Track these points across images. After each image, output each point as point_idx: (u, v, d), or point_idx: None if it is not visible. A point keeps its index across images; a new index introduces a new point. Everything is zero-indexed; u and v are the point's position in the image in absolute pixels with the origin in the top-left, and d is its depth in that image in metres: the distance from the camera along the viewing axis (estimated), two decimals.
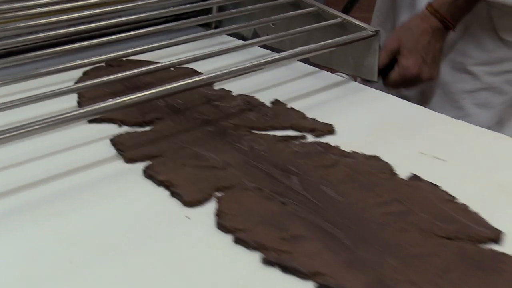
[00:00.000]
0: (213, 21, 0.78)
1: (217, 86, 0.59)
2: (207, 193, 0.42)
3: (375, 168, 0.46)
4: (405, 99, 0.69)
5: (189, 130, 0.50)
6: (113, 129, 0.50)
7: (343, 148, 0.49)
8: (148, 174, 0.44)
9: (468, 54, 0.87)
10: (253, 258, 0.37)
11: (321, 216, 0.40)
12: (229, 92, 0.58)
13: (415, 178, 0.45)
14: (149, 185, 0.44)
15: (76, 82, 0.57)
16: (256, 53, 0.71)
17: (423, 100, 0.89)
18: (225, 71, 0.53)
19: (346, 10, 1.31)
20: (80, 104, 0.53)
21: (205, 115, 0.53)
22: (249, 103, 0.55)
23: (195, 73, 0.61)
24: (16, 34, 0.62)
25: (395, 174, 0.46)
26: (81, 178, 0.45)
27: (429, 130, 0.57)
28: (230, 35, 0.77)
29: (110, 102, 0.45)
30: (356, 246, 0.38)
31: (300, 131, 0.52)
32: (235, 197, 0.42)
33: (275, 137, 0.50)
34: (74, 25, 0.64)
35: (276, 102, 0.57)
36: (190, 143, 0.48)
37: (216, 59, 0.61)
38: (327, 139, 0.51)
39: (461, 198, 0.43)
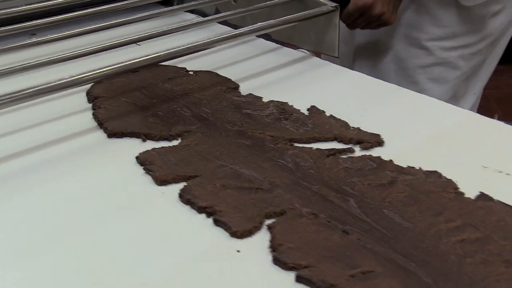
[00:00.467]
0: None
1: (245, 92, 0.55)
2: (257, 221, 0.37)
3: (437, 186, 0.42)
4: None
5: (222, 144, 0.45)
6: (137, 145, 0.45)
7: (396, 161, 0.45)
8: (186, 199, 0.39)
9: (423, 30, 0.90)
10: None
11: (392, 248, 0.36)
12: (260, 98, 0.53)
13: (484, 197, 0.41)
14: (187, 211, 0.39)
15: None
16: (218, 30, 0.71)
17: (379, 75, 0.89)
18: (184, 47, 0.54)
19: None
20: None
21: (238, 125, 0.48)
22: (284, 110, 0.50)
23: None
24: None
25: (462, 194, 0.41)
26: (110, 200, 0.40)
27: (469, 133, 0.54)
28: (192, 12, 0.78)
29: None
30: (437, 285, 0.33)
31: (346, 143, 0.47)
32: (289, 225, 0.37)
33: (320, 151, 0.45)
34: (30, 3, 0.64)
35: (312, 109, 0.52)
36: (226, 160, 0.43)
37: (176, 37, 0.62)
38: (377, 152, 0.47)
39: None
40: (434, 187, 0.41)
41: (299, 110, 0.52)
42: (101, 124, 0.48)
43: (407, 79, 0.93)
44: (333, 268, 0.34)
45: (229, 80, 0.58)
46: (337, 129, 0.48)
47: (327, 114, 0.51)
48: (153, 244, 0.37)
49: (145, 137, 0.45)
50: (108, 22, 0.64)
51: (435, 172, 0.43)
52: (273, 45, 0.72)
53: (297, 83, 0.62)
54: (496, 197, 0.41)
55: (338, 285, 0.33)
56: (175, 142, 0.46)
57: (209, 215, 0.38)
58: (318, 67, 0.67)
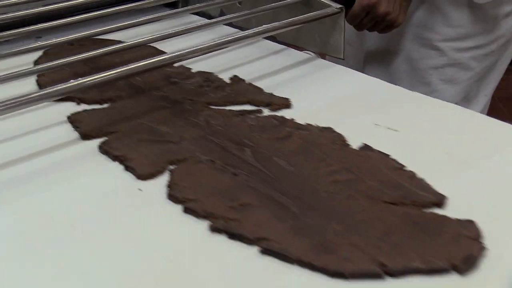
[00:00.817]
0: (179, 0, 0.78)
1: (178, 64, 0.59)
2: (161, 166, 0.43)
3: (328, 139, 0.47)
4: (374, 75, 0.70)
5: (146, 106, 0.51)
6: (71, 108, 0.51)
7: (298, 121, 0.50)
8: (104, 149, 0.45)
9: (435, 30, 0.88)
10: (202, 226, 0.38)
11: (272, 186, 0.41)
12: (189, 69, 0.59)
13: (366, 148, 0.47)
14: (104, 160, 0.45)
15: (36, 62, 0.57)
16: (223, 32, 0.70)
17: (391, 77, 0.91)
18: (189, 50, 0.53)
19: None
20: (40, 86, 0.54)
21: (164, 92, 0.53)
22: (208, 79, 0.56)
23: (159, 53, 0.61)
24: None
25: (348, 145, 0.47)
26: (39, 158, 0.45)
27: (386, 103, 0.58)
28: (197, 14, 0.77)
29: (72, 83, 0.46)
30: (303, 214, 0.39)
31: (257, 106, 0.53)
32: (188, 169, 0.43)
33: (231, 112, 0.51)
34: (35, 7, 0.63)
35: (234, 78, 0.57)
36: (146, 120, 0.49)
37: (182, 39, 0.61)
38: (284, 113, 0.52)
39: (410, 166, 0.45)
40: (324, 140, 0.47)
41: (222, 79, 0.57)
42: (41, 87, 0.53)
43: (419, 80, 0.92)
44: (216, 202, 0.39)
45: (164, 52, 0.61)
46: (251, 94, 0.53)
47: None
48: (70, 183, 0.42)
49: (79, 100, 0.51)
50: (113, 25, 0.63)
51: (329, 128, 0.49)
52: (278, 46, 0.72)
53: (302, 84, 0.62)
54: (379, 148, 0.46)
55: (216, 214, 0.38)
56: (105, 106, 0.51)
57: (121, 162, 0.44)
58: (323, 68, 0.67)
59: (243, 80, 0.57)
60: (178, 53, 0.53)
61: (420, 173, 0.44)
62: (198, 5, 0.70)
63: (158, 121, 0.49)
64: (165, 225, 0.39)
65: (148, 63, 0.50)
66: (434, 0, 0.88)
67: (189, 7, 0.70)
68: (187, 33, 0.61)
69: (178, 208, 0.40)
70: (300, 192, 0.40)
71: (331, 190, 0.41)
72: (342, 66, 0.68)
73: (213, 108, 0.52)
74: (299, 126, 0.49)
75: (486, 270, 0.35)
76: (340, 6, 0.68)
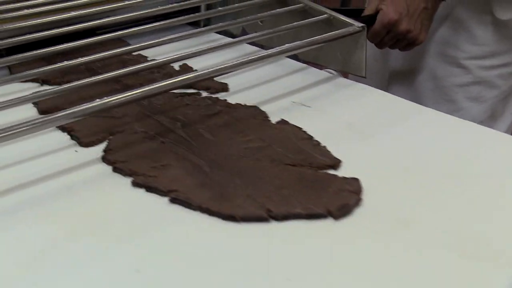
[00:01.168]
0: (201, 19, 0.79)
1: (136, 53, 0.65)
2: (101, 136, 0.50)
3: (250, 115, 0.53)
4: (397, 94, 0.68)
5: (99, 88, 0.56)
6: (35, 88, 0.58)
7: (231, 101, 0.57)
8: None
9: (460, 48, 0.88)
10: (126, 182, 0.45)
11: (192, 151, 0.47)
12: (146, 57, 0.64)
13: (283, 122, 0.53)
14: (53, 130, 0.51)
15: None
16: (245, 50, 0.71)
17: (415, 95, 0.90)
18: (212, 69, 0.54)
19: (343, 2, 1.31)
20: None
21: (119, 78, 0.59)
22: (160, 66, 0.61)
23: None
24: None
25: (268, 120, 0.53)
26: None
27: (406, 119, 0.60)
28: (219, 33, 0.77)
29: (96, 102, 0.47)
30: (212, 172, 0.45)
31: (198, 89, 0.59)
32: (123, 138, 0.49)
33: (173, 93, 0.56)
34: (62, 26, 0.64)
35: (183, 66, 0.63)
36: (97, 98, 0.55)
37: (205, 58, 0.61)
38: (220, 96, 0.58)
39: (317, 137, 0.51)
40: (247, 116, 0.54)
41: (172, 67, 0.62)
42: (10, 70, 0.60)
43: (444, 97, 0.90)
44: (141, 163, 0.45)
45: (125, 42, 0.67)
46: (194, 78, 0.59)
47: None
48: (17, 147, 0.47)
49: (43, 82, 0.58)
50: (137, 44, 0.63)
51: (255, 106, 0.55)
52: (299, 65, 0.71)
53: (324, 104, 0.61)
54: (294, 123, 0.53)
55: (138, 172, 0.45)
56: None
57: (68, 132, 0.50)
58: (344, 87, 0.66)
59: (191, 68, 0.63)
60: (202, 72, 0.54)
61: (323, 142, 0.50)
62: (221, 24, 0.70)
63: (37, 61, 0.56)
64: (96, 181, 0.45)
65: (172, 82, 0.51)
66: (457, 18, 0.87)
67: (212, 26, 0.70)
68: (210, 52, 0.61)
69: (109, 168, 0.46)
70: (215, 156, 0.46)
71: (242, 155, 0.47)
72: (364, 85, 0.67)
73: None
74: (228, 105, 0.55)
75: (358, 216, 0.42)
76: (362, 25, 0.67)
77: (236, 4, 0.74)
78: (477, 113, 0.89)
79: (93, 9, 0.68)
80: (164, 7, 0.72)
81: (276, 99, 0.61)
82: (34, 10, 0.66)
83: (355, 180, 0.44)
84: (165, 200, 0.42)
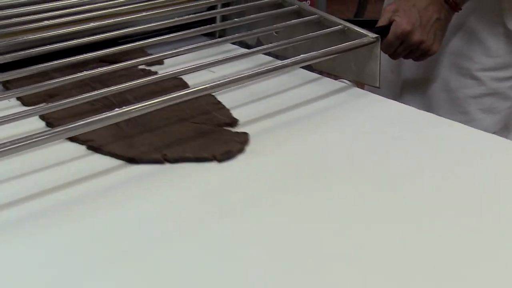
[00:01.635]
0: (217, 30, 0.81)
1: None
2: (41, 98, 0.59)
3: (173, 84, 0.63)
4: (410, 105, 0.69)
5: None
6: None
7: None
8: (6, 86, 0.62)
9: (473, 60, 0.89)
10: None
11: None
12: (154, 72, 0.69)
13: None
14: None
15: None
16: (259, 60, 0.73)
17: (428, 106, 0.91)
18: (228, 79, 0.56)
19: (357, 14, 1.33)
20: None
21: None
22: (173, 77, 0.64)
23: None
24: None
25: (187, 87, 0.63)
26: None
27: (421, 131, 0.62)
28: (234, 43, 0.79)
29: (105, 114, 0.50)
30: (127, 126, 0.55)
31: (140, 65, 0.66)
32: (60, 100, 0.53)
33: (114, 67, 0.62)
34: (81, 37, 0.66)
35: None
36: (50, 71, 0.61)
37: (220, 67, 0.64)
38: (155, 68, 0.68)
39: (224, 102, 0.61)
40: (170, 85, 0.63)
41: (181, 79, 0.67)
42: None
43: (457, 109, 0.91)
44: (69, 119, 0.50)
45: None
46: (210, 88, 0.58)
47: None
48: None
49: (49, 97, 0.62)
50: (152, 55, 0.66)
51: (179, 78, 0.65)
52: (313, 75, 0.73)
53: (337, 114, 0.63)
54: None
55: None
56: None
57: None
58: (358, 97, 0.67)
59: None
60: (219, 82, 0.56)
61: (227, 105, 0.61)
62: (237, 34, 0.72)
63: (56, 71, 0.61)
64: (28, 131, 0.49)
65: (191, 91, 0.54)
66: (470, 29, 0.88)
67: (228, 37, 0.72)
68: (226, 62, 0.63)
69: (43, 123, 0.57)
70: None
71: (155, 114, 0.54)
72: (377, 95, 0.68)
73: (103, 64, 0.63)
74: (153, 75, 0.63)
75: (239, 160, 0.52)
76: (376, 35, 0.69)
77: (252, 15, 0.76)
78: (490, 125, 0.90)
79: (111, 21, 0.71)
80: (180, 18, 0.74)
81: (291, 109, 0.63)
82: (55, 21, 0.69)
83: (244, 134, 0.55)
84: (83, 147, 0.53)
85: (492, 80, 0.90)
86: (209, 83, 0.55)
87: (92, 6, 0.73)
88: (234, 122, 0.58)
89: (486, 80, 0.90)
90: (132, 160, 0.51)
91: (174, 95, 0.53)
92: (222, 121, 0.57)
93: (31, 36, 0.64)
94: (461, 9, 0.83)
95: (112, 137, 0.53)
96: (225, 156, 0.52)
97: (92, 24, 0.68)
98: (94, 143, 0.52)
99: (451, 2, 0.81)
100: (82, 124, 0.47)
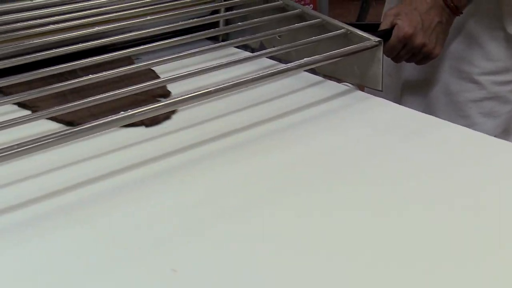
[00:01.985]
0: (220, 34, 0.83)
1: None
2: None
3: (141, 72, 0.66)
4: (411, 108, 0.71)
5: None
6: None
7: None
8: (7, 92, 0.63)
9: (474, 64, 0.91)
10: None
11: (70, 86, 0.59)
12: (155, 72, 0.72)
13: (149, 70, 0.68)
14: None
15: None
16: (263, 63, 0.75)
17: (429, 109, 0.93)
18: (232, 82, 0.58)
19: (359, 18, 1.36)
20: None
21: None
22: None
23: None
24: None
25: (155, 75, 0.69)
26: None
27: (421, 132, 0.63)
28: (237, 47, 0.81)
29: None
30: (71, 96, 0.60)
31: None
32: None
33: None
34: (83, 42, 0.67)
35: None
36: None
37: (224, 71, 0.65)
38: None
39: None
40: (139, 72, 0.65)
41: None
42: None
43: (458, 113, 0.93)
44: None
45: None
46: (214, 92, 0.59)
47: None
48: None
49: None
50: (157, 59, 0.65)
51: (152, 70, 0.70)
52: (317, 78, 0.75)
53: (341, 116, 0.65)
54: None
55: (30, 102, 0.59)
56: None
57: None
58: (361, 100, 0.69)
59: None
60: (223, 85, 0.57)
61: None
62: (240, 38, 0.73)
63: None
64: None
65: (196, 94, 0.56)
66: (470, 33, 0.90)
67: (232, 41, 0.73)
68: (230, 66, 0.64)
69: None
70: (80, 89, 0.60)
71: (103, 90, 0.57)
72: (380, 98, 0.70)
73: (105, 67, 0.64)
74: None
75: (165, 126, 0.60)
76: (379, 39, 0.70)
77: (255, 19, 0.78)
78: (491, 128, 0.92)
79: (116, 25, 0.72)
80: (184, 22, 0.75)
81: (295, 111, 0.64)
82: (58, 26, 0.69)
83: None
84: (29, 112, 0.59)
85: (493, 84, 0.92)
86: (213, 87, 0.57)
87: (97, 10, 0.73)
88: (166, 93, 0.66)
89: (487, 84, 0.92)
90: (70, 123, 0.59)
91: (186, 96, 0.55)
92: (156, 92, 0.65)
93: (44, 39, 0.66)
94: (462, 13, 0.85)
95: (55, 104, 0.55)
96: (153, 122, 0.60)
97: (96, 28, 0.70)
98: (37, 110, 0.58)
99: (452, 6, 0.83)
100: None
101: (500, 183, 0.53)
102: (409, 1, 0.84)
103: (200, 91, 0.56)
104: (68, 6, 0.73)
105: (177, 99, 0.55)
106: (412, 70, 0.97)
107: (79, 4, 0.74)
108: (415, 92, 0.99)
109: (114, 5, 0.76)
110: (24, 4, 0.71)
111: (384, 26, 0.82)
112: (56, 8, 0.72)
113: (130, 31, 0.71)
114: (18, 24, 0.68)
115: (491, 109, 0.94)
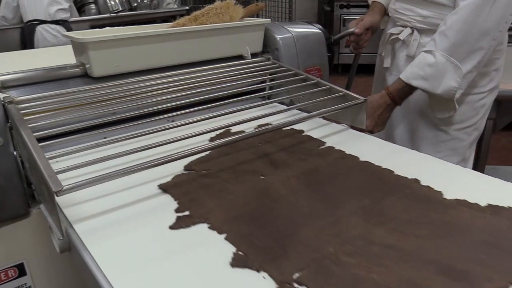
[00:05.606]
0: (266, 94, 1.14)
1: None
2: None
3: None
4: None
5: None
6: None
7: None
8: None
9: (442, 119, 1.25)
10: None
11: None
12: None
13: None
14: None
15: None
16: (293, 113, 1.08)
17: (413, 146, 1.25)
18: (276, 123, 0.88)
19: (347, 86, 1.77)
20: None
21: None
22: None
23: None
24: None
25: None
26: None
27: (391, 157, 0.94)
28: (277, 103, 1.13)
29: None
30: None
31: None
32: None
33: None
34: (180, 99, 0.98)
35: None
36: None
37: (270, 118, 0.97)
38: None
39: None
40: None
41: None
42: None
43: (432, 149, 1.27)
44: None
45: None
46: (272, 128, 0.95)
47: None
48: None
49: None
50: (216, 112, 0.93)
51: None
52: (324, 121, 1.06)
53: (339, 145, 0.91)
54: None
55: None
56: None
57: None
58: (354, 135, 0.98)
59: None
60: (271, 126, 0.88)
61: None
62: (279, 98, 1.07)
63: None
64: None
65: (253, 132, 0.87)
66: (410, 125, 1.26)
67: (274, 99, 1.08)
68: (274, 114, 0.97)
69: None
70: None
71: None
72: (365, 134, 1.00)
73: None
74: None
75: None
76: (364, 98, 1.02)
77: (288, 86, 1.12)
78: (454, 159, 1.26)
79: (198, 90, 1.04)
80: (244, 88, 1.10)
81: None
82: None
83: None
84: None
85: (453, 130, 1.26)
86: (263, 128, 0.90)
87: (182, 82, 1.05)
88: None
89: (449, 131, 1.26)
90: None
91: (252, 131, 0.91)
92: None
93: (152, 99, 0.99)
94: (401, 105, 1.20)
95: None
96: None
97: (195, 91, 1.02)
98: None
99: (398, 102, 1.18)
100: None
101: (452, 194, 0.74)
102: (370, 104, 1.18)
103: (259, 129, 0.87)
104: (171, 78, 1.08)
105: (222, 142, 0.84)
106: (401, 121, 1.31)
107: (186, 76, 1.10)
108: (401, 134, 1.33)
109: (205, 77, 1.11)
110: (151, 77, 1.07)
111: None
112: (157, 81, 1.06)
113: (209, 93, 1.04)
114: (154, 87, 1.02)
115: (453, 146, 1.26)
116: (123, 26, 1.21)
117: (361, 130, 1.04)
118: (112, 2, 3.39)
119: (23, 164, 0.84)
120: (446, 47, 1.11)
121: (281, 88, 1.10)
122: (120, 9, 3.40)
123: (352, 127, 1.05)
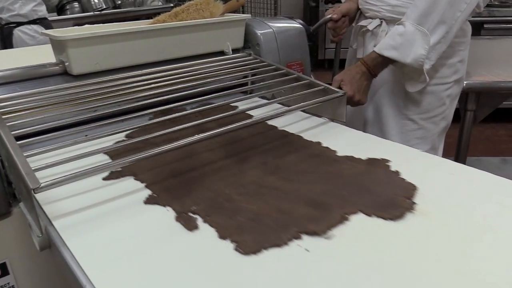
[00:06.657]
0: (248, 89, 1.17)
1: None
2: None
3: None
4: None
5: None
6: None
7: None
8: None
9: (409, 109, 1.29)
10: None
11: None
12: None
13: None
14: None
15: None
16: (275, 106, 1.11)
17: (386, 137, 1.27)
18: (258, 117, 0.90)
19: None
20: None
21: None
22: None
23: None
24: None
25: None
26: None
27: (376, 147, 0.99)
28: (259, 97, 1.16)
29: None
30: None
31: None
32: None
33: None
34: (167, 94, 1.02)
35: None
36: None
37: (252, 112, 0.99)
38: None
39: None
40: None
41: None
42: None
43: (402, 138, 1.31)
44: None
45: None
46: (252, 122, 1.00)
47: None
48: None
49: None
50: (199, 109, 0.94)
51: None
52: (305, 115, 1.08)
53: (320, 137, 0.94)
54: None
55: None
56: None
57: None
58: (334, 127, 1.01)
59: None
60: (251, 120, 0.88)
61: None
62: (260, 92, 1.10)
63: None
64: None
65: (243, 123, 0.87)
66: (407, 93, 1.29)
67: (256, 94, 1.11)
68: (255, 108, 1.00)
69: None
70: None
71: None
72: (345, 126, 1.03)
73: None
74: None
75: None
76: (344, 92, 1.06)
77: (269, 80, 1.14)
78: (424, 147, 1.31)
79: (184, 85, 1.07)
80: (228, 82, 1.12)
81: (295, 133, 1.02)
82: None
83: None
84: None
85: (421, 120, 1.31)
86: (244, 122, 0.90)
87: (163, 79, 1.07)
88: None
89: (418, 120, 1.31)
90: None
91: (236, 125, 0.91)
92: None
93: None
94: (376, 76, 1.24)
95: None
96: None
97: (176, 87, 1.04)
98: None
99: (373, 74, 1.21)
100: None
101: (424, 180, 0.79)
102: (348, 71, 1.21)
103: (241, 122, 0.87)
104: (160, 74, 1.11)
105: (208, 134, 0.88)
106: (371, 114, 1.35)
107: (159, 73, 1.11)
108: (375, 126, 1.37)
109: (186, 73, 1.13)
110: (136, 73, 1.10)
111: (334, 87, 1.14)
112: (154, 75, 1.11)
113: (193, 88, 1.06)
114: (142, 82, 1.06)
115: (422, 135, 1.31)
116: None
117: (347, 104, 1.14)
118: (96, 0, 3.38)
119: (3, 163, 0.84)
120: (415, 17, 1.17)
121: (262, 83, 1.13)
122: (104, 7, 3.40)
123: (333, 120, 1.08)
